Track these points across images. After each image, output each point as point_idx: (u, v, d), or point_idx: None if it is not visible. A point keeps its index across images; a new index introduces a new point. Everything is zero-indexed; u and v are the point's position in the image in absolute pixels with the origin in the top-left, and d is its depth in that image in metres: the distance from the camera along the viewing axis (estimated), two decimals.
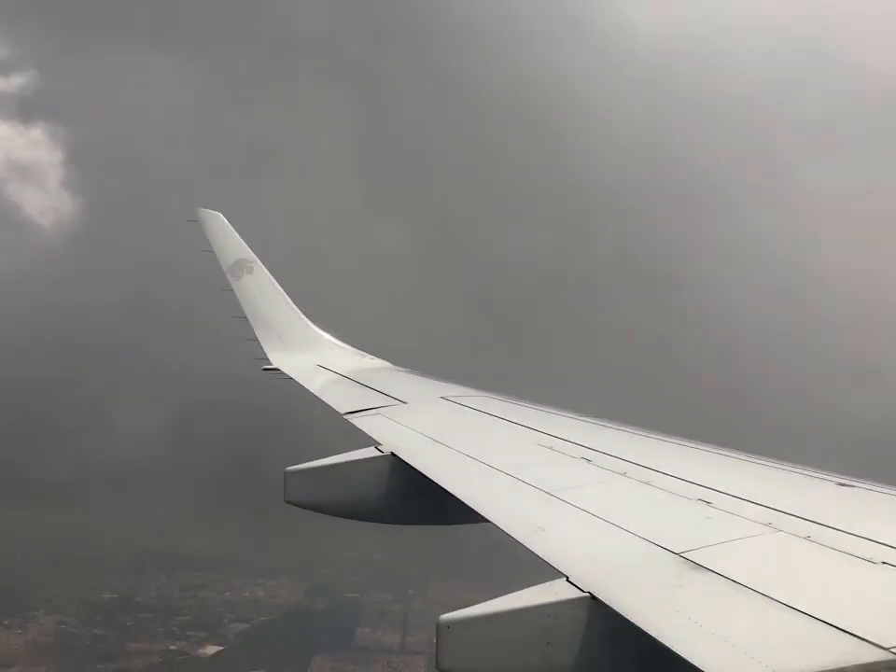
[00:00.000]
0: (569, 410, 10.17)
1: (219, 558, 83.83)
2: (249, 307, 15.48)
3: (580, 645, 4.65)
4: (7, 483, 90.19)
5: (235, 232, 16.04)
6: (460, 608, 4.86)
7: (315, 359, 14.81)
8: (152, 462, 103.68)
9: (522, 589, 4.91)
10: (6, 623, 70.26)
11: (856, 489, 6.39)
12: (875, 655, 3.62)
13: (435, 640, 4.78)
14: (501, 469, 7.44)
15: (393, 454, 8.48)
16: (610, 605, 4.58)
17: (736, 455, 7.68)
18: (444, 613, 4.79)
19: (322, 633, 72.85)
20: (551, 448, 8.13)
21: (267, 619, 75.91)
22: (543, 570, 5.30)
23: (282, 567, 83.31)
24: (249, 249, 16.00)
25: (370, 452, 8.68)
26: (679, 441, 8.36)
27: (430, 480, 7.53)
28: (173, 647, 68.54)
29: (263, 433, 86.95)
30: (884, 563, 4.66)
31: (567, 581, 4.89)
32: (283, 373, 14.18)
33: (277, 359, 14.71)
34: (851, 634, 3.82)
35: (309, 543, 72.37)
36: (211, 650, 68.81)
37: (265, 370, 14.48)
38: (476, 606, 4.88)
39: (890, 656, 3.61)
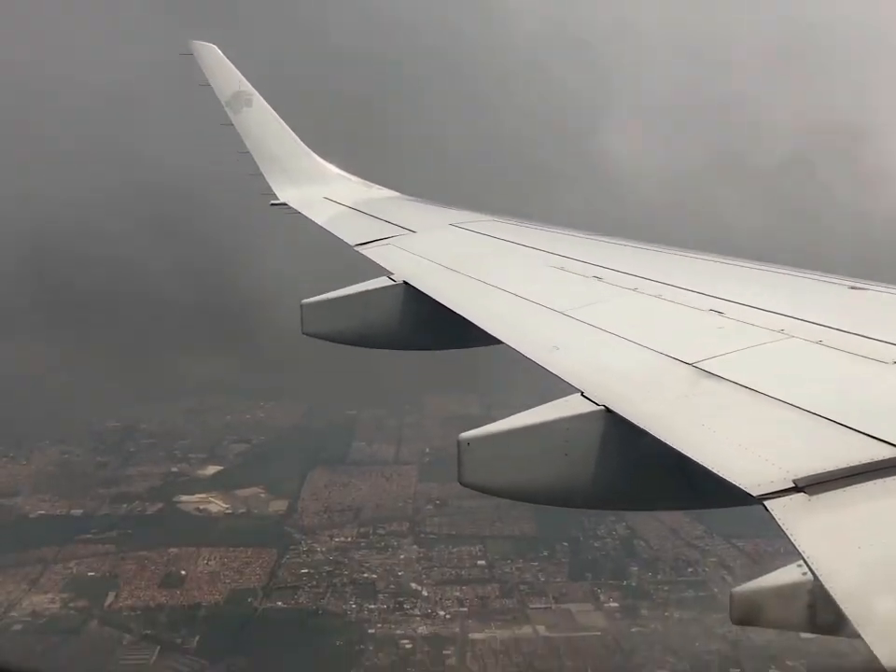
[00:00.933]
0: (580, 230, 10.13)
1: (223, 384, 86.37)
2: (251, 141, 15.20)
3: (596, 456, 4.73)
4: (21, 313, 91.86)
5: (231, 65, 15.56)
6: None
7: (321, 192, 14.67)
8: (160, 294, 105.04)
9: (528, 405, 4.99)
10: (11, 455, 72.78)
11: (868, 292, 6.30)
12: (888, 452, 3.65)
13: (457, 456, 4.84)
14: (513, 292, 7.45)
15: (405, 282, 8.52)
16: (625, 416, 4.62)
17: (748, 265, 7.64)
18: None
19: (319, 449, 76.05)
20: (562, 268, 8.10)
21: (266, 438, 79.02)
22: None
23: (283, 390, 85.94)
24: (247, 81, 15.55)
25: (382, 281, 8.74)
26: (690, 255, 8.31)
27: (443, 306, 7.55)
28: (174, 469, 71.44)
29: (275, 269, 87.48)
30: (895, 362, 4.64)
31: (582, 395, 4.93)
32: (290, 208, 14.12)
33: (284, 194, 14.59)
34: (864, 433, 3.85)
35: (310, 368, 74.39)
36: (211, 469, 71.76)
37: (272, 205, 14.42)
38: (495, 423, 4.96)
39: None
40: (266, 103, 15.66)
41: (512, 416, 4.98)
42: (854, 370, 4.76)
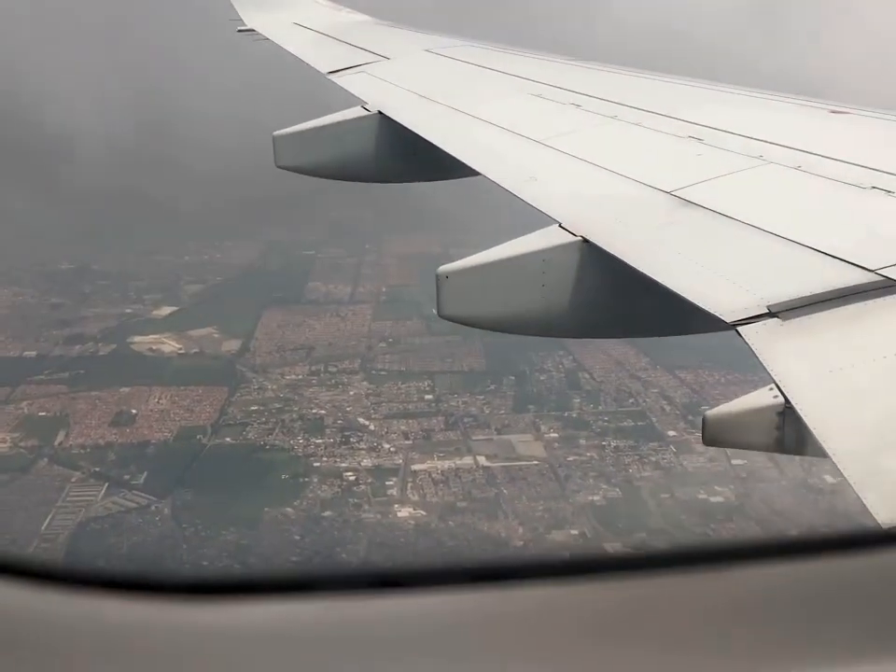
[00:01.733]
0: (559, 55, 9.97)
1: (178, 223, 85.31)
2: None
3: (573, 286, 4.82)
4: None
5: None
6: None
7: (290, 17, 14.12)
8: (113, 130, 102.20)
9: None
10: None
11: (849, 115, 6.23)
12: (861, 277, 3.66)
13: (436, 289, 4.91)
14: (490, 121, 7.34)
15: (380, 112, 8.36)
16: (602, 246, 4.65)
17: (728, 90, 7.53)
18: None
19: (275, 289, 76.12)
20: (540, 96, 7.97)
21: (222, 279, 78.93)
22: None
23: (239, 229, 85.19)
24: None
25: (356, 112, 8.58)
26: (671, 80, 8.18)
27: (419, 136, 7.44)
28: (128, 310, 71.51)
29: (244, 99, 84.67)
30: (874, 187, 4.63)
31: (560, 226, 4.95)
32: (259, 34, 13.65)
33: (251, 19, 14.10)
34: (840, 258, 3.85)
35: (267, 204, 73.18)
36: (166, 310, 71.74)
37: (239, 31, 13.98)
38: (473, 256, 5.03)
39: (877, 278, 3.64)
40: None
41: (491, 249, 5.04)
42: (832, 195, 4.76)
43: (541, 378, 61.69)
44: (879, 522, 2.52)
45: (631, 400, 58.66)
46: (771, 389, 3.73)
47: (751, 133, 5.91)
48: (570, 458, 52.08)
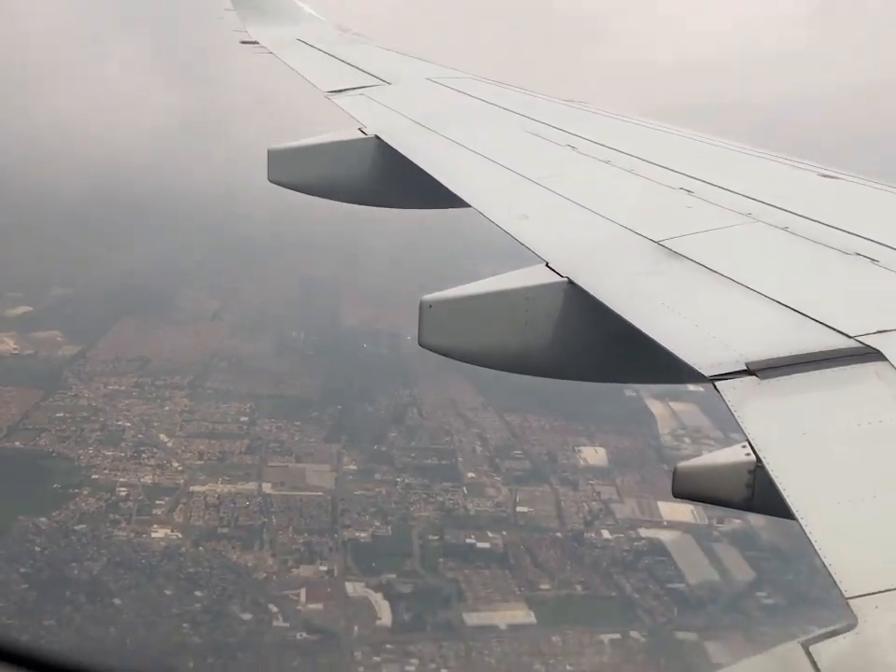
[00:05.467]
0: (557, 95, 9.96)
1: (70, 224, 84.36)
2: None
3: (554, 326, 4.85)
4: None
5: None
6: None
7: (294, 33, 14.11)
8: None
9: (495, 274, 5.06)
10: None
11: (838, 181, 6.33)
12: (841, 343, 3.71)
13: (418, 317, 4.91)
14: (487, 156, 7.35)
15: (377, 136, 8.33)
16: (587, 289, 4.68)
17: (723, 144, 7.59)
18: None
19: (141, 298, 74.97)
20: (537, 134, 8.01)
21: (93, 285, 77.99)
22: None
23: (131, 236, 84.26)
24: None
25: (353, 133, 8.55)
26: (666, 129, 8.25)
27: (414, 163, 7.43)
28: None
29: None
30: (857, 254, 4.69)
31: (547, 266, 4.97)
32: (262, 47, 13.55)
33: (255, 32, 14.04)
34: (820, 322, 3.91)
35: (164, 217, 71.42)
36: (20, 310, 72.35)
37: (243, 42, 13.84)
38: (458, 287, 5.03)
39: (856, 344, 3.68)
40: None
41: (477, 282, 5.06)
42: (817, 259, 4.81)
43: (368, 409, 60.35)
44: (842, 591, 2.54)
45: (447, 439, 57.29)
46: (744, 446, 3.75)
47: (742, 189, 5.96)
48: (358, 492, 50.70)
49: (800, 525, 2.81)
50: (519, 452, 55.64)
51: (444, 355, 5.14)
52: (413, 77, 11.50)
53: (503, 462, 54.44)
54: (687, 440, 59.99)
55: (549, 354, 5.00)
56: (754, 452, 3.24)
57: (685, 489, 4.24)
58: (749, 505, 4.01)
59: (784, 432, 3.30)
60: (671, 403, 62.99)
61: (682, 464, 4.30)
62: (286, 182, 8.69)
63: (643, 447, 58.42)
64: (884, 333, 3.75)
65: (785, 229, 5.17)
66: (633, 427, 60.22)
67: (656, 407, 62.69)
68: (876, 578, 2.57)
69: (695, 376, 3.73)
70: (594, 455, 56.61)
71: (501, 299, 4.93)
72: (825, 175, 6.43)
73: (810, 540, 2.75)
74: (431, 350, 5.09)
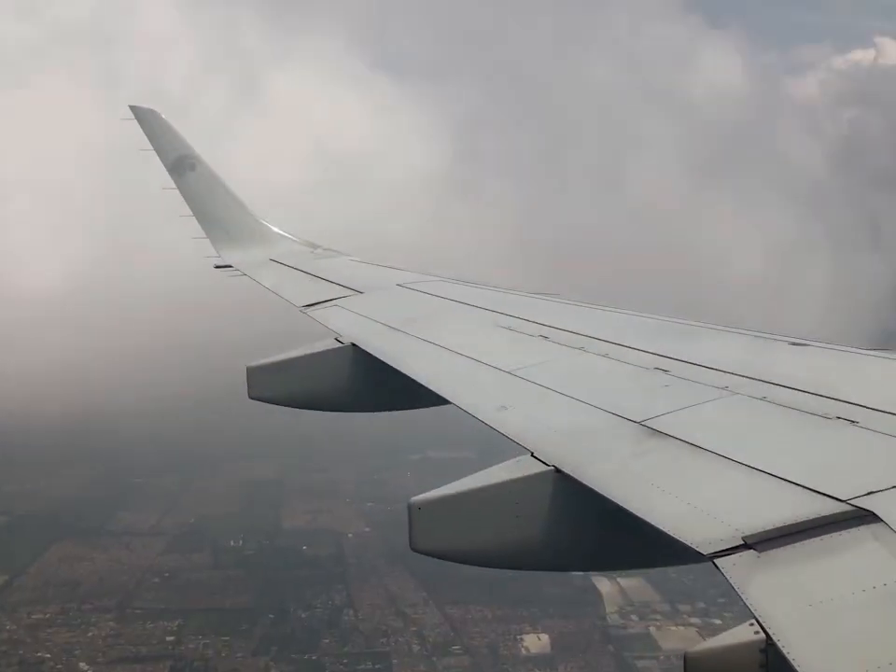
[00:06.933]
0: (526, 290, 10.25)
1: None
2: (195, 204, 15.09)
3: (547, 516, 4.78)
4: None
5: (174, 128, 15.44)
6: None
7: (266, 254, 14.63)
8: None
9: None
10: None
11: (809, 348, 6.48)
12: (834, 507, 3.70)
13: (408, 521, 4.80)
14: (461, 352, 7.49)
15: (353, 344, 8.49)
16: (574, 476, 4.66)
17: (691, 323, 7.75)
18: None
19: (80, 519, 73.24)
20: (509, 328, 8.19)
21: (32, 510, 76.59)
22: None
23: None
24: (190, 145, 15.47)
25: (330, 344, 8.70)
26: (634, 313, 8.43)
27: (391, 367, 7.53)
28: None
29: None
30: (839, 418, 4.74)
31: (532, 456, 4.96)
32: (235, 270, 13.94)
33: (228, 256, 14.48)
34: (810, 489, 3.91)
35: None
36: None
37: (217, 267, 14.21)
38: (445, 486, 4.93)
39: (848, 507, 3.68)
40: (210, 166, 15.56)
41: (463, 479, 4.99)
42: (799, 425, 4.85)
43: (303, 616, 58.16)
44: None
45: (382, 640, 54.97)
46: (752, 625, 3.61)
47: (716, 364, 6.04)
48: None
49: None
50: (458, 647, 53.29)
51: (440, 558, 4.98)
52: (383, 284, 11.76)
53: (441, 660, 52.05)
54: (634, 616, 57.93)
55: (546, 546, 4.90)
56: (763, 629, 3.16)
57: None
58: None
59: (791, 606, 3.22)
60: (619, 579, 61.20)
61: (691, 650, 4.10)
62: (267, 397, 8.75)
63: (588, 629, 56.30)
64: (874, 494, 3.75)
65: (763, 398, 5.22)
66: (578, 609, 58.26)
67: (603, 584, 60.80)
68: None
69: (692, 556, 3.68)
70: (536, 642, 54.36)
71: (490, 494, 4.85)
72: (795, 344, 6.57)
73: None
74: (425, 554, 4.92)
